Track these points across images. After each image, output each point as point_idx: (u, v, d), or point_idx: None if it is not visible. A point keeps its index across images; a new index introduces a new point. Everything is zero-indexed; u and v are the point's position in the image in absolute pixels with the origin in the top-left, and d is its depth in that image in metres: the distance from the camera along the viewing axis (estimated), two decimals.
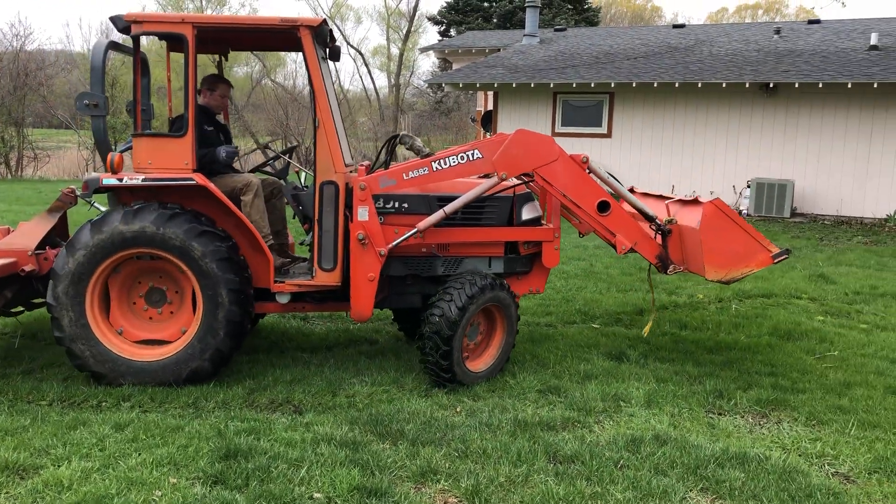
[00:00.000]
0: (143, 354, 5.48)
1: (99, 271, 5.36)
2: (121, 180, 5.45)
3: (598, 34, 24.35)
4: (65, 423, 4.74)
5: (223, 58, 6.76)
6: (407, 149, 6.10)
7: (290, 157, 6.26)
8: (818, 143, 16.34)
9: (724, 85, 16.45)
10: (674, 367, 6.07)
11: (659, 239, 5.89)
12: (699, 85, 16.65)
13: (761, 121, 16.90)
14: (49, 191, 20.10)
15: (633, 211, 5.95)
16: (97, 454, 4.34)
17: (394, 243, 5.65)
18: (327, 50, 6.25)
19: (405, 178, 5.66)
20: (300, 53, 5.68)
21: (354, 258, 5.63)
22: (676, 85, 16.86)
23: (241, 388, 5.46)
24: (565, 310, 7.96)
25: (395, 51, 49.55)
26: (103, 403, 5.16)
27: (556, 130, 18.70)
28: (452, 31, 39.65)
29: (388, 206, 5.84)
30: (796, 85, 15.81)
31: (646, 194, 6.55)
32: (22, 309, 6.47)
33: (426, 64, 77.22)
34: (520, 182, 5.98)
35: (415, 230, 5.64)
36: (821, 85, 15.57)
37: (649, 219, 5.90)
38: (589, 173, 5.75)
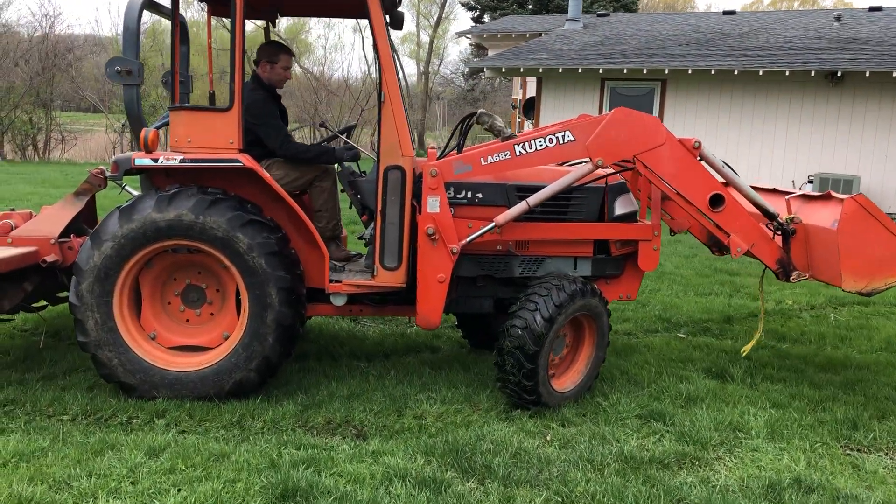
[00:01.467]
0: (180, 363, 4.73)
1: (128, 266, 4.61)
2: (155, 160, 4.69)
3: (643, 20, 23.33)
4: (90, 447, 4.00)
5: (270, 24, 5.97)
6: (485, 129, 5.28)
7: (349, 137, 5.47)
8: (887, 135, 15.30)
9: (787, 73, 15.44)
10: (788, 389, 5.23)
11: (779, 240, 5.03)
12: (760, 73, 15.65)
13: (825, 111, 15.87)
14: (76, 174, 19.54)
15: (752, 209, 5.09)
16: (128, 489, 3.59)
17: (468, 239, 4.85)
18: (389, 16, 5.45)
19: (483, 163, 4.85)
20: (361, 19, 4.90)
21: (422, 256, 4.84)
22: (735, 72, 15.87)
23: (292, 403, 4.70)
24: (643, 316, 7.12)
25: (424, 38, 48.66)
26: (134, 420, 4.42)
27: None
28: (486, 18, 38.66)
29: (458, 195, 5.04)
30: (867, 74, 14.78)
31: (754, 187, 5.67)
32: (45, 303, 5.76)
33: (454, 52, 76.24)
34: (615, 171, 5.15)
35: (492, 224, 4.83)
36: (894, 74, 14.52)
37: (770, 216, 5.04)
38: (700, 161, 4.90)
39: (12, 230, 5.24)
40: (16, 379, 5.01)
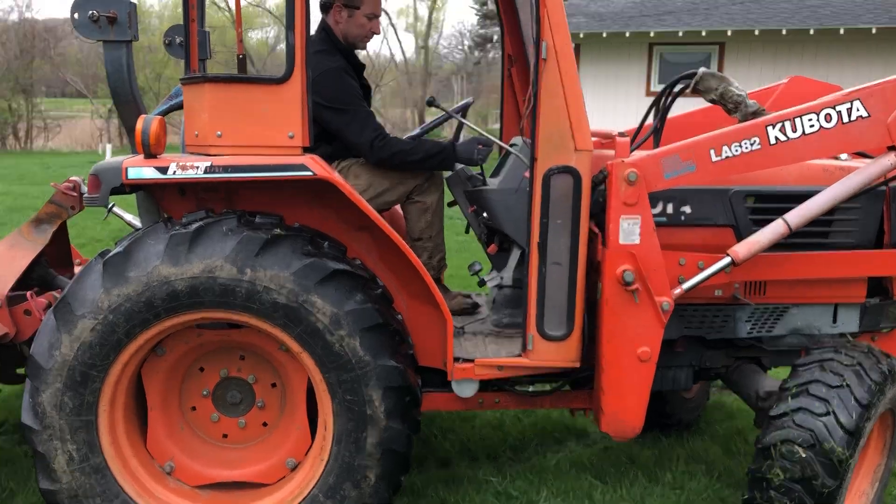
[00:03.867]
0: None
1: (124, 359, 2.65)
2: (163, 170, 2.71)
3: None
4: None
5: None
6: (711, 100, 3.31)
7: (465, 118, 3.49)
8: None
9: (873, 31, 13.45)
10: None
11: None
12: (841, 31, 13.65)
13: None
14: (59, 165, 17.46)
15: None
16: None
17: (686, 286, 2.92)
18: None
19: (714, 158, 2.89)
20: None
21: (610, 317, 2.89)
22: (811, 32, 13.87)
23: None
24: None
25: (422, 12, 46.33)
26: None
27: (653, 90, 15.75)
28: None
29: (653, 210, 3.09)
30: None
31: None
32: None
33: (446, 28, 74.05)
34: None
35: (727, 260, 2.90)
36: None
37: None
38: None
39: None
40: None
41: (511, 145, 3.40)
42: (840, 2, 15.03)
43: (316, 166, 2.73)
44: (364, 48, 3.48)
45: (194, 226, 2.64)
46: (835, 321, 3.31)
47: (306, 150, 2.83)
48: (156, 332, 2.65)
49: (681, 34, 14.80)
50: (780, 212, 3.00)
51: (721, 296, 3.19)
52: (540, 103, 2.87)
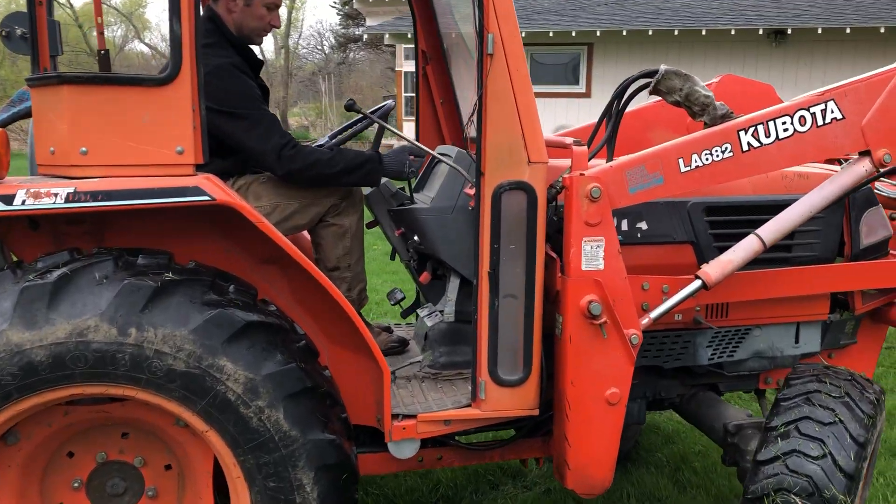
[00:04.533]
0: None
1: None
2: (8, 199, 2.04)
3: None
4: None
5: None
6: (675, 102, 2.92)
7: (386, 122, 2.95)
8: None
9: (732, 32, 13.91)
10: None
11: None
12: (703, 32, 14.04)
13: (767, 74, 14.50)
14: None
15: None
16: None
17: (655, 314, 2.56)
18: None
19: (683, 169, 2.54)
20: None
21: (573, 355, 2.48)
22: (675, 33, 14.19)
23: None
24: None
25: (280, 12, 45.10)
26: None
27: None
28: None
29: None
30: (819, 31, 13.46)
31: None
32: None
33: (305, 27, 72.93)
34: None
35: (698, 283, 2.56)
36: (848, 30, 13.26)
37: None
38: None
39: None
40: None
41: (441, 155, 2.92)
42: (700, 4, 15.51)
43: (214, 189, 2.15)
44: (259, 43, 2.90)
45: (55, 273, 1.99)
46: (797, 341, 3.05)
47: (199, 167, 2.24)
48: (5, 419, 1.98)
49: (551, 34, 14.80)
50: (742, 224, 2.72)
51: (681, 320, 2.85)
52: (486, 107, 2.41)
